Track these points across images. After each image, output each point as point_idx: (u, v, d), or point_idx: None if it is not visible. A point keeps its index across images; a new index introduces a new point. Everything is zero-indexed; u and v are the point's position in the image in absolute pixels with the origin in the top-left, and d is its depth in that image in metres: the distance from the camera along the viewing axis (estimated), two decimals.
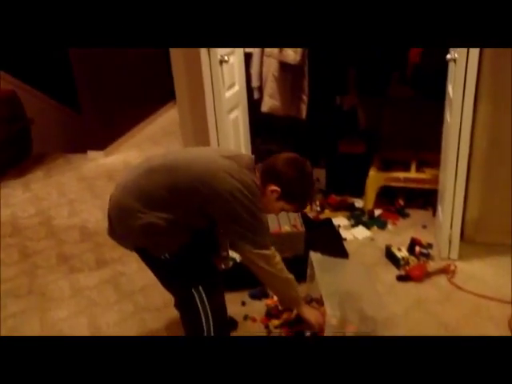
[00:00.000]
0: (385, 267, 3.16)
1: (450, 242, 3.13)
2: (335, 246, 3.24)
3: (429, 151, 3.85)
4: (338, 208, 3.82)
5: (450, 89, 2.99)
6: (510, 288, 2.88)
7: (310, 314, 2.44)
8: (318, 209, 3.82)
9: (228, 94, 3.17)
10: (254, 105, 3.71)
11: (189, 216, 2.15)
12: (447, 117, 3.06)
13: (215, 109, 3.05)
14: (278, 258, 2.27)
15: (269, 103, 3.56)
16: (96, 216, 4.09)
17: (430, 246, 3.19)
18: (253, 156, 2.30)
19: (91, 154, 5.27)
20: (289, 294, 2.38)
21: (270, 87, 3.51)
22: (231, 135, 3.32)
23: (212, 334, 2.35)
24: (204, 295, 2.27)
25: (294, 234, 3.02)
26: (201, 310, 2.29)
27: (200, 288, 2.26)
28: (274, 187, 2.17)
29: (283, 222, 3.14)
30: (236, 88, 3.31)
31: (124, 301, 3.06)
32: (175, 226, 2.12)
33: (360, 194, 3.92)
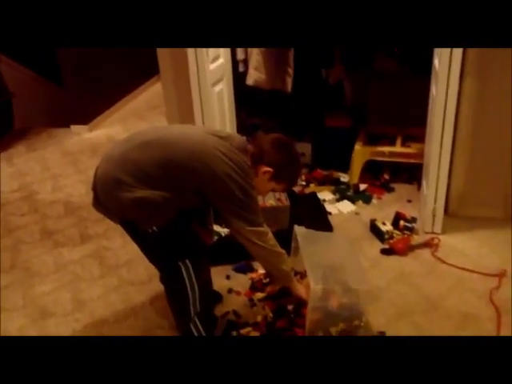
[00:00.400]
0: (369, 241, 3.17)
1: (433, 216, 3.14)
2: (320, 220, 3.24)
3: (415, 126, 3.85)
4: (323, 182, 3.82)
5: (436, 62, 2.97)
6: (492, 261, 2.91)
7: (301, 290, 2.47)
8: (304, 183, 3.81)
9: (212, 66, 3.12)
10: (239, 78, 3.66)
11: (182, 194, 2.14)
12: (433, 90, 3.04)
13: (199, 82, 3.00)
14: (270, 234, 2.30)
15: (254, 76, 3.52)
16: (80, 191, 4.05)
17: (414, 220, 3.21)
18: (244, 138, 2.31)
19: (75, 128, 5.20)
20: (282, 269, 2.39)
21: (256, 60, 3.48)
22: (216, 108, 3.28)
23: (198, 308, 2.35)
24: (191, 268, 2.27)
25: (278, 208, 3.01)
26: (187, 284, 2.29)
27: (187, 261, 2.25)
28: (266, 168, 2.21)
29: (268, 196, 3.13)
30: (220, 61, 3.27)
31: (108, 275, 3.05)
32: (166, 203, 2.11)
33: (346, 168, 3.92)
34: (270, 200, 3.08)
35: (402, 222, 3.18)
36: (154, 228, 2.16)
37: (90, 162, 4.49)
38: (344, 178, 3.89)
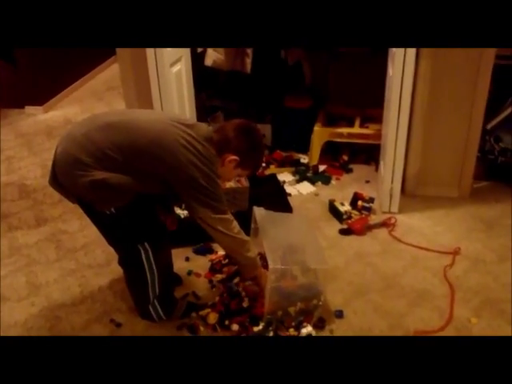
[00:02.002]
0: (328, 221, 3.20)
1: (390, 196, 3.20)
2: (279, 201, 3.25)
3: (373, 107, 3.89)
4: (283, 164, 3.83)
5: None
6: (447, 239, 2.98)
7: (264, 277, 2.44)
8: (263, 164, 3.80)
9: None
10: (197, 58, 3.62)
11: (144, 180, 2.10)
12: (390, 71, 3.07)
13: (157, 62, 2.95)
14: (235, 223, 2.29)
15: (213, 56, 3.49)
16: (35, 173, 3.95)
17: (371, 200, 3.25)
18: (211, 128, 2.30)
19: (29, 109, 5.06)
20: (247, 256, 2.38)
21: None
22: (174, 89, 3.23)
23: (157, 291, 2.34)
24: (150, 251, 2.25)
25: (238, 190, 3.00)
26: (146, 267, 2.27)
27: (146, 244, 2.23)
28: (232, 157, 2.22)
29: None
30: None
31: (65, 259, 2.99)
32: (126, 186, 2.07)
33: (305, 150, 3.94)
34: (229, 184, 3.06)
35: (360, 202, 3.22)
36: (112, 210, 2.13)
37: (45, 144, 4.38)
38: (304, 159, 3.91)
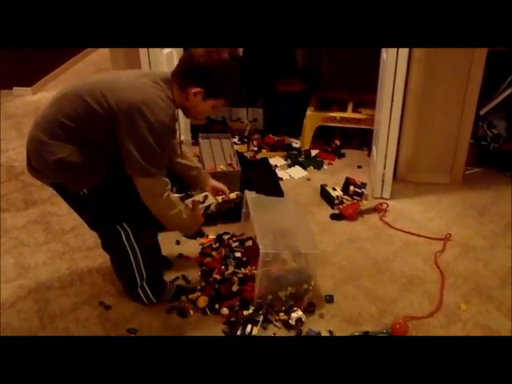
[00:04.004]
0: (319, 206, 3.19)
1: (382, 182, 3.18)
2: (271, 186, 3.23)
3: (366, 92, 3.87)
4: (275, 148, 3.80)
5: None
6: (438, 225, 2.98)
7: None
8: (255, 149, 3.79)
9: None
10: None
11: (97, 145, 2.02)
12: (383, 55, 3.05)
13: None
14: (165, 194, 2.09)
15: None
16: (23, 155, 3.78)
17: (363, 185, 3.24)
18: (169, 73, 2.10)
19: (17, 90, 4.98)
20: (179, 224, 2.27)
21: None
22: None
23: (144, 274, 2.31)
24: (130, 232, 2.21)
25: (229, 173, 2.97)
26: (128, 248, 2.24)
27: (125, 225, 2.20)
28: (195, 89, 2.00)
29: (219, 161, 3.09)
30: None
31: (53, 241, 2.96)
32: (89, 159, 2.02)
33: (297, 134, 3.91)
34: (220, 165, 3.03)
35: (351, 188, 3.21)
36: (85, 191, 2.09)
37: None
38: (296, 143, 3.89)
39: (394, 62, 2.83)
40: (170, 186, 2.11)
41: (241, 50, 3.54)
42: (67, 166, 2.01)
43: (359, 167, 3.60)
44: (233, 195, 2.53)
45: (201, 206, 2.39)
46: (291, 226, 2.69)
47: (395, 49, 2.79)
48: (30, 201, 3.36)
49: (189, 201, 2.38)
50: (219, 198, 2.49)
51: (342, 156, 3.73)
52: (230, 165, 3.06)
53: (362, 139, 3.85)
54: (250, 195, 2.66)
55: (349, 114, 3.70)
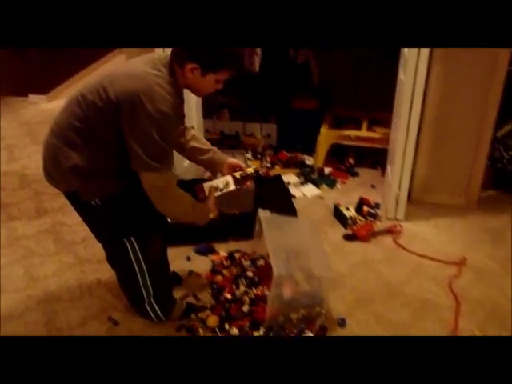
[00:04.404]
0: (332, 226, 3.15)
1: (397, 203, 3.15)
2: (284, 203, 3.20)
3: (381, 110, 3.84)
4: (288, 165, 3.78)
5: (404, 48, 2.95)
6: (452, 248, 2.93)
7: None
8: (269, 165, 3.76)
9: None
10: None
11: (108, 142, 1.98)
12: (401, 75, 3.02)
13: None
14: (170, 187, 2.03)
15: None
16: (37, 163, 3.89)
17: (377, 205, 3.20)
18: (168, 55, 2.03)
19: (32, 97, 5.00)
20: (187, 218, 2.21)
21: None
22: None
23: (151, 290, 2.28)
24: (137, 247, 2.18)
25: (243, 191, 2.93)
26: (134, 263, 2.21)
27: (132, 239, 2.17)
28: (190, 65, 1.91)
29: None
30: None
31: (64, 252, 2.94)
32: (102, 164, 2.01)
33: (311, 151, 3.89)
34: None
35: (365, 208, 3.18)
36: (97, 200, 2.08)
37: None
38: (309, 160, 3.86)
39: (411, 82, 2.80)
40: (175, 180, 2.07)
41: (257, 65, 3.53)
42: (82, 172, 2.00)
43: (373, 187, 3.57)
44: (250, 170, 2.40)
45: (220, 192, 2.33)
46: (304, 246, 2.65)
47: (413, 69, 2.76)
48: (41, 210, 3.35)
49: (207, 185, 2.33)
50: (237, 175, 2.37)
51: (355, 175, 3.70)
52: (243, 183, 3.02)
53: (375, 158, 3.82)
54: (263, 213, 2.63)
55: (363, 133, 3.67)
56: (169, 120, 1.90)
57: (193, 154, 2.39)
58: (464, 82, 3.03)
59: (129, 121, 1.89)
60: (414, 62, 2.74)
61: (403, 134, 2.95)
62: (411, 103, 2.86)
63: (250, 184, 3.00)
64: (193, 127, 2.43)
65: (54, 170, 2.07)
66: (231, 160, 2.42)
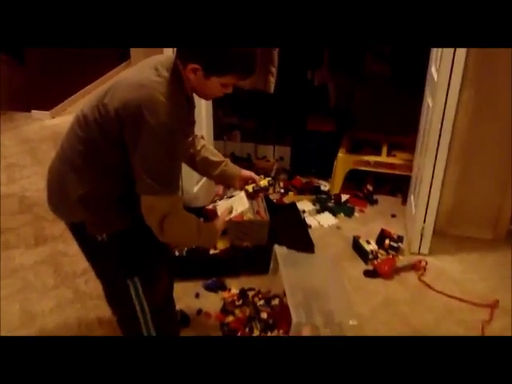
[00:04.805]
0: (351, 260, 2.94)
1: (421, 236, 2.93)
2: (300, 236, 2.98)
3: (401, 134, 3.66)
4: (302, 191, 3.57)
5: (433, 71, 2.75)
6: (482, 288, 2.72)
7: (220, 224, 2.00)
8: (282, 190, 3.55)
9: None
10: None
11: (115, 166, 1.76)
12: (428, 101, 2.82)
13: None
14: (170, 214, 1.73)
15: None
16: (37, 184, 3.70)
17: (400, 238, 2.98)
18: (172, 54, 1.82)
19: (36, 113, 4.81)
20: (191, 244, 2.05)
21: None
22: None
23: (153, 333, 2.06)
24: (140, 287, 1.95)
25: (257, 223, 2.75)
26: (136, 305, 1.97)
27: (136, 279, 1.95)
28: (192, 65, 1.67)
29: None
30: None
31: (63, 286, 2.74)
32: (112, 193, 1.79)
33: (326, 176, 3.69)
34: (248, 213, 2.80)
35: (387, 241, 2.96)
36: (104, 236, 1.86)
37: (50, 153, 4.11)
38: (325, 186, 3.65)
39: (441, 108, 2.61)
40: (181, 204, 1.80)
41: (272, 86, 3.34)
42: (90, 202, 1.78)
43: (393, 216, 3.36)
44: (264, 182, 2.13)
45: (235, 212, 2.03)
46: (324, 285, 2.46)
47: (444, 95, 2.57)
48: (40, 237, 3.15)
49: (220, 206, 2.04)
50: (249, 188, 2.09)
51: (374, 203, 3.49)
52: (257, 212, 2.83)
53: (395, 184, 3.61)
54: (279, 250, 2.43)
55: (383, 159, 3.47)
56: (174, 134, 1.65)
57: (204, 167, 2.14)
58: (494, 109, 2.84)
59: (131, 136, 1.66)
60: (444, 87, 2.55)
61: (430, 162, 2.75)
62: (440, 130, 2.66)
63: (264, 216, 2.82)
64: (203, 137, 2.18)
65: (60, 200, 1.85)
66: (244, 172, 2.15)
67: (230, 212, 2.01)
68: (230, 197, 2.10)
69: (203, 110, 3.19)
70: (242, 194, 2.08)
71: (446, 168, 2.90)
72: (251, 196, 2.11)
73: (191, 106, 1.84)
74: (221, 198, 2.18)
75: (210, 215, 2.06)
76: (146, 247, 1.94)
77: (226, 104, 3.74)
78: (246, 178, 2.14)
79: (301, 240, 2.91)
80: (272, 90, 3.32)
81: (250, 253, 2.77)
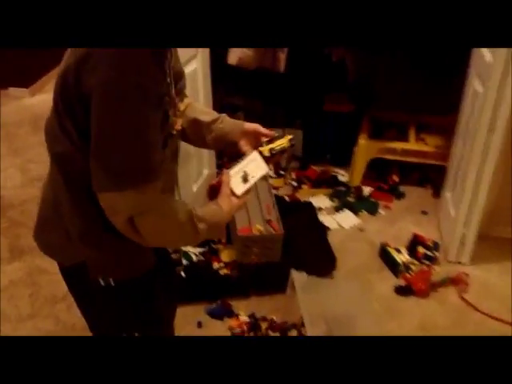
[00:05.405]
0: (379, 272, 2.51)
1: (461, 243, 2.49)
2: (319, 248, 2.53)
3: (430, 113, 3.17)
4: (318, 183, 3.10)
5: (484, 50, 2.25)
6: None
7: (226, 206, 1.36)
8: (294, 183, 3.09)
9: None
10: (217, 54, 2.83)
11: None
12: (475, 84, 2.34)
13: None
14: (149, 214, 1.19)
15: (238, 53, 2.71)
16: (14, 180, 3.22)
17: (436, 246, 2.55)
18: None
19: (13, 91, 4.30)
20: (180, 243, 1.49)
21: None
22: (187, 91, 2.48)
23: None
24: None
25: (269, 238, 2.30)
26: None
27: (136, 333, 1.53)
28: None
29: (254, 217, 2.40)
30: None
31: (40, 315, 2.32)
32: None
33: (344, 163, 3.22)
34: (257, 224, 2.35)
35: (420, 249, 2.53)
36: (111, 280, 1.40)
37: (29, 139, 3.65)
38: (342, 175, 3.18)
39: (494, 95, 2.14)
40: (155, 202, 1.20)
41: (282, 64, 2.82)
42: (96, 237, 1.31)
43: (424, 213, 2.90)
44: (283, 141, 1.44)
45: (247, 184, 1.37)
46: (349, 312, 2.08)
47: (498, 80, 2.09)
48: (16, 249, 2.72)
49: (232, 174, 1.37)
50: (265, 150, 1.42)
51: (401, 196, 3.03)
52: (268, 223, 2.37)
53: (423, 173, 3.14)
54: (297, 276, 2.03)
55: (412, 145, 2.98)
56: (139, 94, 1.08)
57: (194, 133, 1.51)
58: None
59: (93, 114, 1.10)
60: (499, 71, 2.06)
61: (477, 157, 2.29)
62: (493, 122, 2.19)
63: (278, 227, 2.37)
64: (186, 95, 1.52)
65: (55, 236, 1.36)
66: (248, 126, 1.49)
67: (245, 180, 1.38)
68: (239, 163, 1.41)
69: (200, 87, 2.69)
70: (255, 153, 1.42)
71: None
72: (269, 160, 1.45)
73: (166, 55, 1.22)
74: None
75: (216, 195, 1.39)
76: (158, 297, 1.49)
77: (227, 82, 3.23)
78: (253, 132, 1.49)
79: (320, 254, 2.46)
80: (282, 68, 2.80)
81: (260, 270, 2.34)
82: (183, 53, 2.31)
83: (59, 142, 1.27)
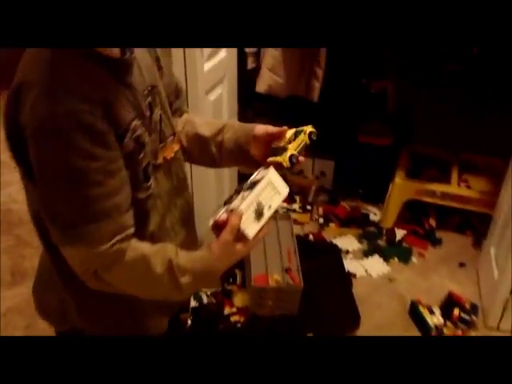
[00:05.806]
0: (407, 332, 2.25)
1: (504, 309, 2.22)
2: (342, 301, 2.29)
3: (474, 152, 2.91)
4: (347, 222, 2.85)
5: None
6: None
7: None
8: (321, 220, 2.85)
9: (209, 65, 2.10)
10: (244, 73, 2.62)
11: None
12: None
13: (187, 91, 2.00)
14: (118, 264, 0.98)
15: (268, 80, 2.48)
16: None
17: (474, 309, 2.28)
18: None
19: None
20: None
21: (272, 56, 2.43)
22: (211, 117, 2.29)
23: None
24: None
25: (286, 290, 2.07)
26: None
27: None
28: None
29: (272, 265, 2.17)
30: (221, 55, 2.22)
31: None
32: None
33: (377, 200, 2.97)
34: (274, 274, 2.12)
35: (456, 311, 2.26)
36: None
37: None
38: (374, 214, 2.93)
39: None
40: (122, 252, 0.98)
41: (317, 92, 2.59)
42: (96, 310, 1.17)
43: (462, 265, 2.63)
44: (302, 139, 1.20)
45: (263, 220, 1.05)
46: None
47: None
48: (18, 272, 2.56)
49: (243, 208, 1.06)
50: (284, 160, 1.12)
51: (437, 243, 2.76)
52: (288, 272, 2.14)
53: (464, 217, 2.86)
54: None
55: (454, 189, 2.71)
56: (87, 131, 0.89)
57: (200, 151, 1.26)
58: None
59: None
60: None
61: None
62: None
63: (297, 278, 2.14)
64: (186, 111, 1.31)
65: (52, 299, 1.20)
66: (258, 129, 1.20)
67: (260, 215, 1.05)
68: (253, 184, 1.08)
69: (225, 108, 2.48)
70: (270, 171, 1.10)
71: None
72: (290, 169, 1.15)
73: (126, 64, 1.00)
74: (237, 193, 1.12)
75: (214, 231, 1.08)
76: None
77: (256, 103, 3.03)
78: (263, 136, 1.20)
79: (343, 310, 2.22)
80: (316, 97, 2.57)
81: (274, 323, 2.11)
82: (206, 81, 2.13)
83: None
